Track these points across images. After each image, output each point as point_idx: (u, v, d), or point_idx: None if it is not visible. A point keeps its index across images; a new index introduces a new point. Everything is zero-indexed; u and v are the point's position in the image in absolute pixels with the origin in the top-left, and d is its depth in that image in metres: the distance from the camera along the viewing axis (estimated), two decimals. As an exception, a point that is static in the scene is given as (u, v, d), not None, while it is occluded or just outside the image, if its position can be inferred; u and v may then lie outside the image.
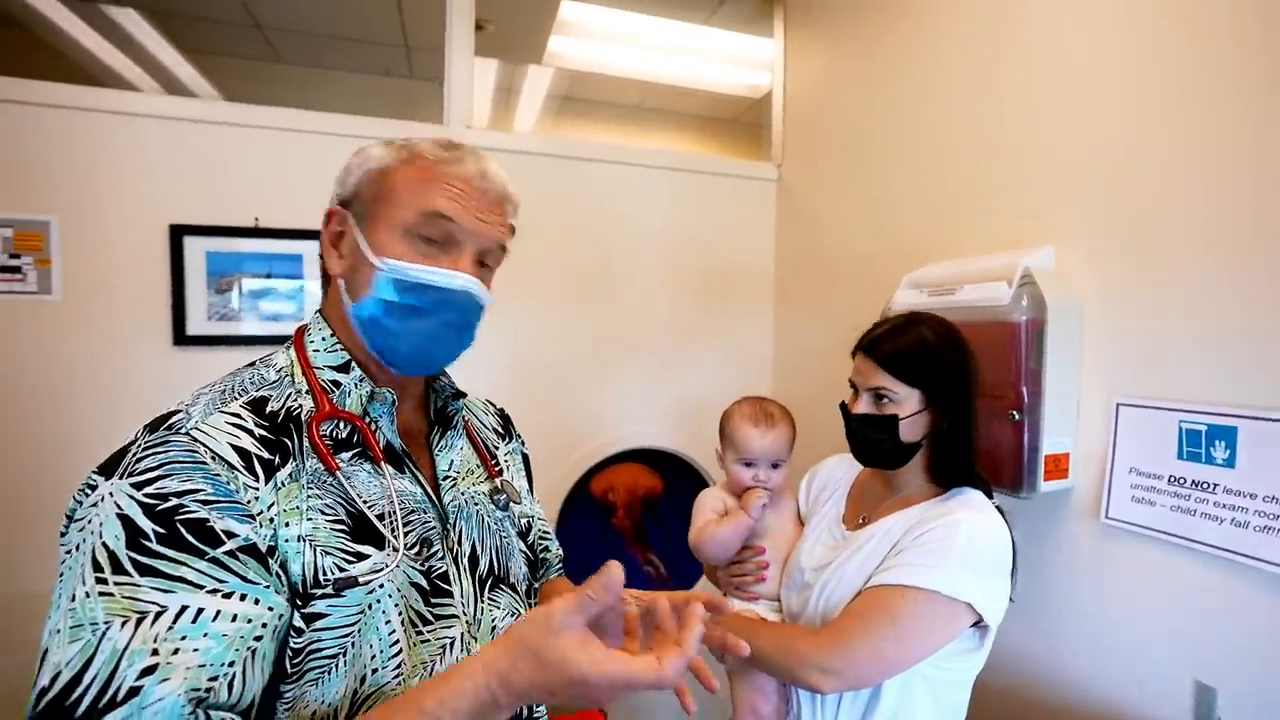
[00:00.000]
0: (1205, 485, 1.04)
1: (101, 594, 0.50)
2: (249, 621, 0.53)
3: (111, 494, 0.53)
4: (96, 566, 0.50)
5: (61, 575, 0.52)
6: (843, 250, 1.92)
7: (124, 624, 0.49)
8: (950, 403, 1.00)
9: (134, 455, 0.56)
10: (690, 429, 2.19)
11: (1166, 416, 1.09)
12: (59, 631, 0.49)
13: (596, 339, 2.10)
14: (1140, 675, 1.13)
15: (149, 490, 0.53)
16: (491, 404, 0.96)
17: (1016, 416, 1.18)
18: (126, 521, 0.52)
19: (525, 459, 0.95)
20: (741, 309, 2.26)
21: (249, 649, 0.53)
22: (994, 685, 1.38)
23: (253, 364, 0.70)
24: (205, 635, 0.50)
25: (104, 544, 0.51)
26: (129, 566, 0.51)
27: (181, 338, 1.68)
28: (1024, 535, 1.31)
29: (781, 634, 1.02)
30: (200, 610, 0.51)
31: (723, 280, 2.24)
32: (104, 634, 0.48)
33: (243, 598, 0.53)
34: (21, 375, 1.58)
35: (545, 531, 0.97)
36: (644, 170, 2.15)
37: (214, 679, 0.50)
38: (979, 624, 0.93)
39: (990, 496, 1.02)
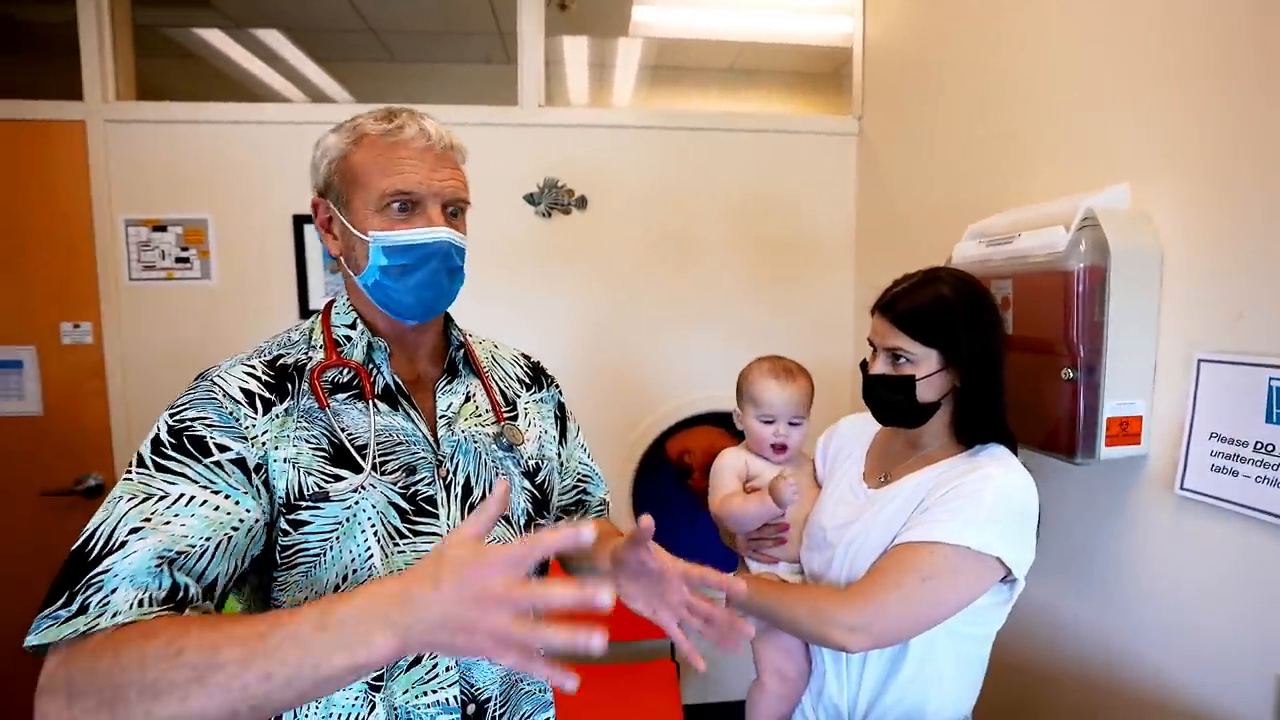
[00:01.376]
0: (1298, 453, 0.88)
1: (124, 479, 0.67)
2: (228, 514, 0.67)
3: (160, 420, 0.72)
4: (135, 462, 0.69)
5: None
6: (924, 202, 1.79)
7: (130, 499, 0.64)
8: (970, 361, 0.95)
9: (181, 395, 0.74)
10: (767, 394, 2.17)
11: (1255, 374, 0.93)
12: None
13: (675, 302, 2.15)
14: (1216, 664, 0.99)
15: (176, 416, 0.71)
16: (526, 356, 1.05)
17: (1070, 375, 1.06)
18: (156, 437, 0.69)
19: (560, 405, 1.03)
20: (822, 268, 2.19)
21: (225, 535, 0.67)
22: (1057, 663, 1.28)
23: (291, 328, 0.86)
24: (193, 516, 0.65)
25: (140, 452, 0.69)
26: (149, 463, 0.67)
27: (305, 313, 1.97)
28: (1087, 505, 1.20)
29: (807, 595, 1.03)
30: (193, 498, 0.66)
31: (803, 239, 2.17)
32: (116, 504, 0.64)
33: (226, 497, 0.68)
34: (191, 347, 1.95)
35: (585, 475, 1.06)
36: (726, 134, 2.13)
37: (191, 545, 0.64)
38: (1006, 577, 0.91)
39: (1015, 452, 0.97)
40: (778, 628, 1.07)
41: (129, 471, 0.68)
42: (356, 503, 0.74)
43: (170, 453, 0.68)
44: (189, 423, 0.70)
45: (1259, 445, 0.93)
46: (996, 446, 0.97)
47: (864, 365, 1.05)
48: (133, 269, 1.96)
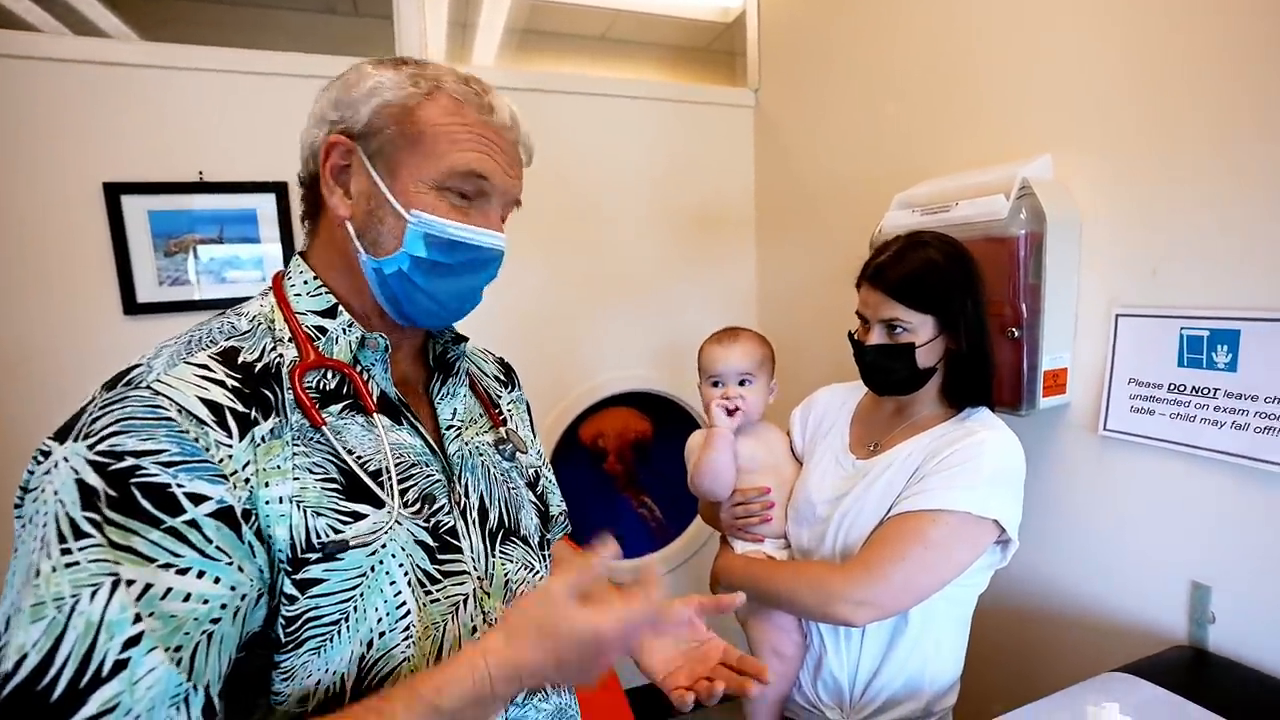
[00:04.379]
0: (1206, 391, 1.03)
1: (68, 565, 0.44)
2: (205, 602, 0.48)
3: (66, 459, 0.48)
4: (60, 538, 0.45)
5: (16, 550, 0.48)
6: (827, 175, 1.85)
7: (94, 593, 0.44)
8: (964, 324, 0.96)
9: (90, 415, 0.50)
10: (677, 369, 2.15)
11: (1167, 324, 1.07)
12: (20, 611, 0.43)
13: (575, 283, 2.03)
14: (1139, 581, 1.15)
15: (101, 448, 0.48)
16: (490, 353, 0.93)
17: (1015, 334, 1.15)
18: (83, 486, 0.46)
19: (528, 407, 0.93)
20: (724, 243, 2.20)
21: (203, 632, 0.47)
22: (996, 602, 1.40)
23: (222, 313, 0.64)
24: (151, 615, 0.45)
25: (66, 513, 0.46)
26: (90, 529, 0.45)
27: (132, 306, 1.57)
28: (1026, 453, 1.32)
29: (806, 571, 1.00)
30: (148, 586, 0.45)
31: (703, 214, 2.16)
32: (73, 608, 0.43)
33: (200, 575, 0.48)
34: (-41, 356, 1.47)
35: (549, 484, 0.93)
36: (613, 101, 2.04)
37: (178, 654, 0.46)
38: (1000, 539, 0.93)
39: (994, 411, 1.01)
40: (774, 607, 1.05)
41: (63, 549, 0.44)
42: (383, 546, 0.57)
43: (110, 513, 0.46)
44: (134, 461, 0.47)
45: (1172, 386, 1.07)
46: (983, 410, 0.99)
47: (853, 337, 1.04)
48: None
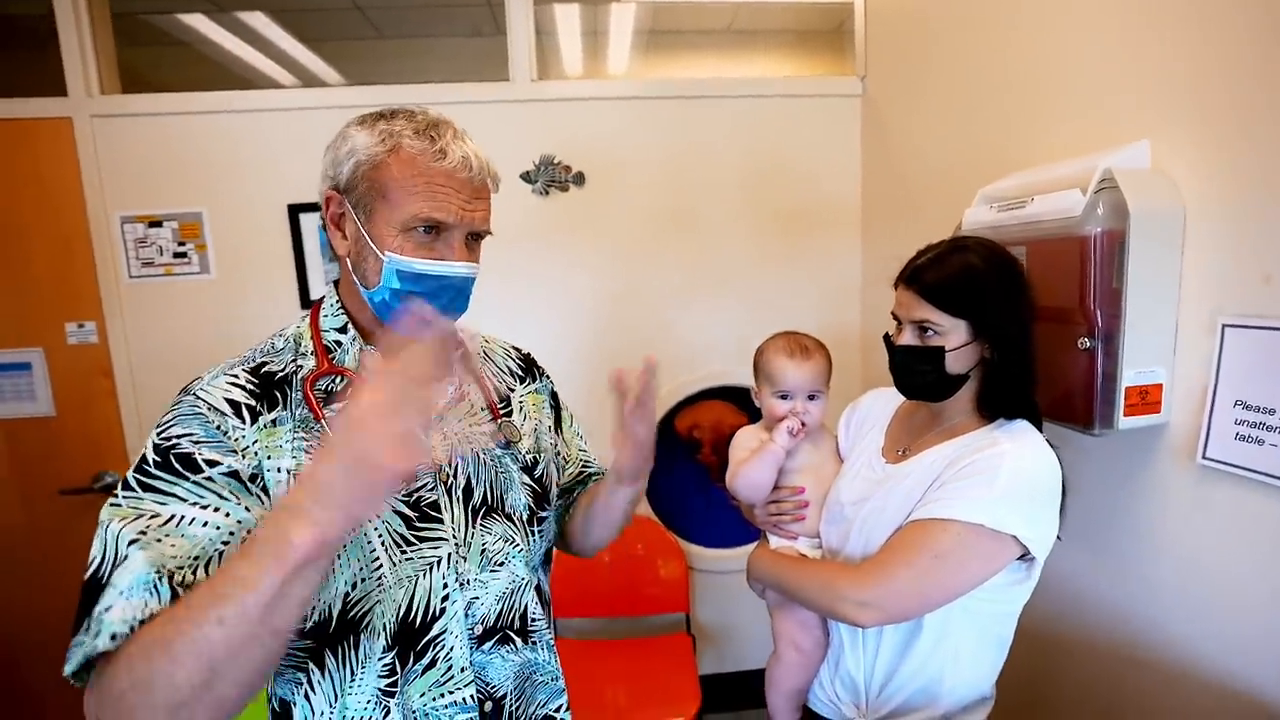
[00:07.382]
0: (1328, 420, 0.85)
1: (111, 504, 0.66)
2: (217, 529, 0.66)
3: (148, 440, 0.71)
4: (116, 490, 0.68)
5: None
6: (934, 166, 1.73)
7: (121, 519, 0.64)
8: (1000, 333, 0.92)
9: (166, 411, 0.73)
10: (776, 366, 2.14)
11: (1283, 338, 0.90)
12: None
13: (679, 277, 2.11)
14: (1246, 639, 0.98)
15: (162, 434, 0.70)
16: (516, 349, 1.05)
17: (1087, 344, 1.03)
18: (142, 458, 0.68)
19: (554, 395, 1.04)
20: (829, 235, 2.14)
21: (216, 550, 0.65)
22: (1076, 634, 1.27)
23: (274, 334, 0.84)
24: (183, 536, 0.64)
25: (126, 477, 0.69)
26: (135, 485, 0.67)
27: (306, 303, 1.95)
28: (1106, 475, 1.18)
29: (820, 570, 1.03)
30: (183, 517, 0.65)
31: (809, 207, 2.12)
32: (107, 528, 0.64)
33: (215, 510, 0.67)
34: (196, 343, 1.95)
35: (586, 461, 1.05)
36: (725, 101, 2.07)
37: (180, 568, 0.63)
38: (1025, 556, 0.90)
39: (1040, 428, 0.94)
40: (793, 600, 1.08)
41: (115, 496, 0.67)
42: None
43: (157, 473, 0.67)
44: (175, 440, 0.69)
45: (1287, 413, 0.90)
46: (1020, 422, 0.94)
47: (888, 338, 1.03)
48: (132, 266, 1.95)
